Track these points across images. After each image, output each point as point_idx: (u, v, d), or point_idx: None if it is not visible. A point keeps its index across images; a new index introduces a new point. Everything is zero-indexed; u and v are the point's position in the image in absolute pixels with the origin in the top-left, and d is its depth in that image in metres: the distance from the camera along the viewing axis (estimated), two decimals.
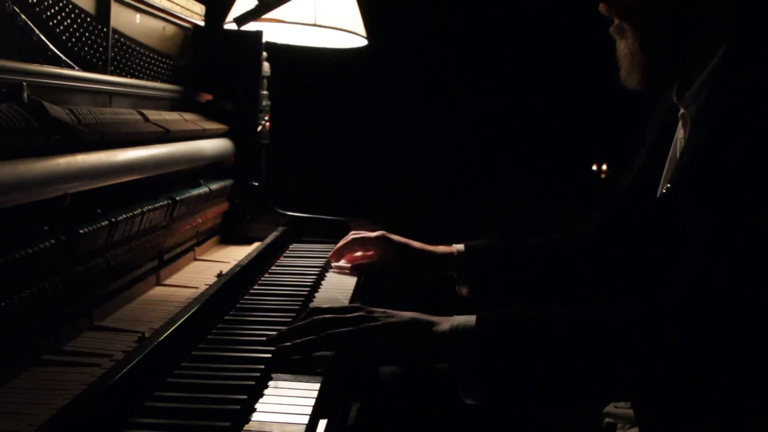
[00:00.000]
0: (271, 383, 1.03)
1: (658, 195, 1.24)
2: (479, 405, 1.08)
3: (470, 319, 1.09)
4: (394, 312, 1.15)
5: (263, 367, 1.05)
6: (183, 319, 1.15)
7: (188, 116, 1.78)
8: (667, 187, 1.17)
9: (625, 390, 1.10)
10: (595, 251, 1.45)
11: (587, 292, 1.47)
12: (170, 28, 1.82)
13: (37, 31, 1.19)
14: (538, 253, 1.56)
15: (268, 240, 1.83)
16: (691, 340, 0.99)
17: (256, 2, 1.67)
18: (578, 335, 1.05)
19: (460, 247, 1.58)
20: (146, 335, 1.11)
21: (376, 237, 1.64)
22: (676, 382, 1.02)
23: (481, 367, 1.06)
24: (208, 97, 1.96)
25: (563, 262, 1.52)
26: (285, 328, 1.16)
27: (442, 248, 1.60)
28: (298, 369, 1.07)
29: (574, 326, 1.06)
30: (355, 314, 1.13)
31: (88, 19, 1.37)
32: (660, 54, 1.17)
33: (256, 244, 1.84)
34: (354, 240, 1.68)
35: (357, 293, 1.57)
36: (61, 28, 1.28)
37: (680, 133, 1.22)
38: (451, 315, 1.12)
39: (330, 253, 1.72)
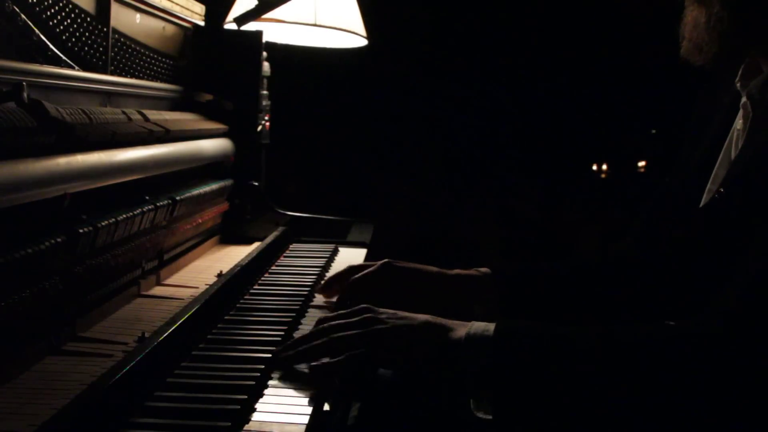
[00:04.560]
0: (271, 383, 1.03)
1: (709, 194, 1.13)
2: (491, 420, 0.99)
3: (489, 327, 1.01)
4: (405, 314, 1.07)
5: (263, 367, 1.04)
6: (183, 319, 1.15)
7: (188, 116, 1.78)
8: (719, 191, 1.08)
9: (653, 421, 0.94)
10: (638, 272, 1.30)
11: (631, 317, 1.31)
12: (170, 28, 1.82)
13: (37, 31, 1.19)
14: (577, 282, 1.38)
15: (268, 240, 1.83)
16: (744, 371, 0.88)
17: (256, 2, 1.67)
18: (606, 356, 0.96)
19: (485, 270, 1.37)
20: (146, 335, 1.11)
21: (380, 266, 1.36)
22: (721, 418, 0.90)
23: (496, 380, 0.97)
24: (208, 97, 1.96)
25: (604, 289, 1.36)
26: (289, 334, 1.13)
27: (459, 271, 1.38)
28: (301, 377, 1.03)
29: (602, 345, 0.97)
30: (362, 317, 1.07)
31: (88, 19, 1.37)
32: (749, 24, 1.05)
33: (256, 244, 1.84)
34: (352, 271, 1.38)
35: None
36: (61, 28, 1.28)
37: (738, 124, 1.12)
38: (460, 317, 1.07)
39: (321, 285, 1.46)
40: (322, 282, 1.43)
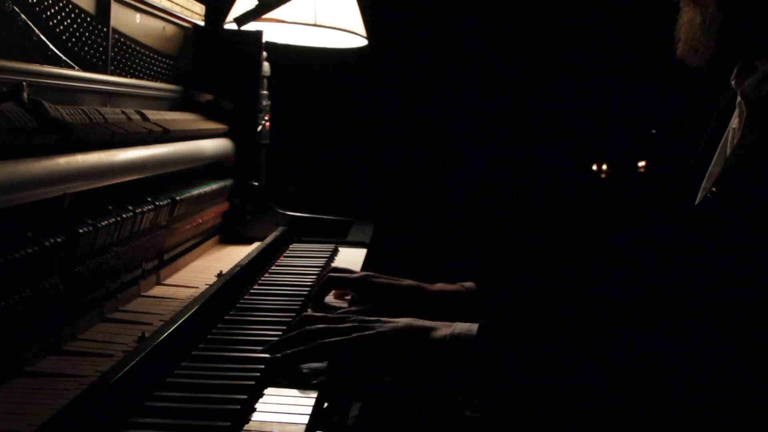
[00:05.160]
0: (271, 383, 1.03)
1: (703, 193, 1.13)
2: (479, 417, 1.01)
3: (472, 327, 1.03)
4: (389, 319, 1.08)
5: (263, 367, 1.04)
6: (183, 319, 1.15)
7: (188, 116, 1.78)
8: (712, 191, 1.08)
9: (635, 412, 0.96)
10: (631, 274, 1.29)
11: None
12: (170, 28, 1.82)
13: (37, 31, 1.19)
14: (567, 291, 1.37)
15: (268, 240, 1.83)
16: (724, 366, 0.90)
17: (256, 2, 1.67)
18: (588, 351, 0.97)
19: (469, 285, 1.35)
20: (146, 335, 1.11)
21: (357, 279, 1.35)
22: (700, 412, 0.91)
23: (482, 379, 0.99)
24: (208, 97, 1.96)
25: (596, 295, 1.34)
26: (278, 338, 1.12)
27: (443, 286, 1.36)
28: (290, 382, 1.02)
29: (584, 341, 0.98)
30: (347, 324, 1.08)
31: (88, 19, 1.37)
32: (743, 23, 1.05)
33: (256, 244, 1.84)
34: (332, 283, 1.39)
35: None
36: (61, 28, 1.28)
37: (734, 122, 1.12)
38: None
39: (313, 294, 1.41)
40: (314, 294, 1.39)
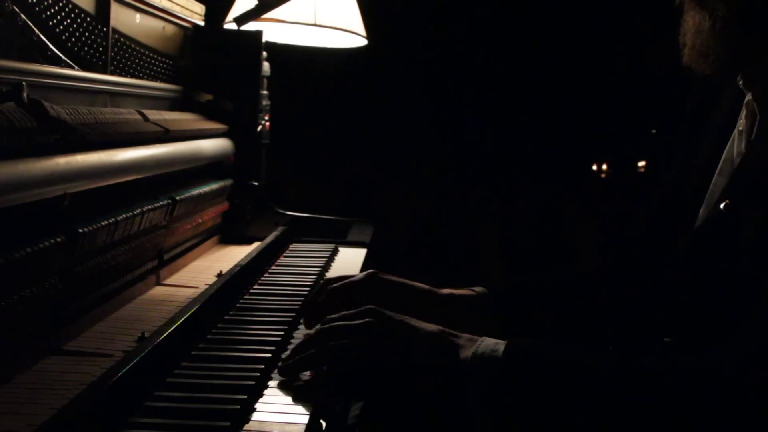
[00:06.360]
0: (271, 383, 1.03)
1: (710, 201, 1.09)
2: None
3: (498, 346, 0.96)
4: (412, 324, 1.01)
5: (263, 367, 1.04)
6: (183, 319, 1.15)
7: (188, 116, 1.78)
8: (726, 204, 1.03)
9: None
10: (636, 285, 1.24)
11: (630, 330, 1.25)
12: (170, 28, 1.82)
13: (37, 31, 1.19)
14: (579, 295, 1.32)
15: (268, 240, 1.83)
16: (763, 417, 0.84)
17: (256, 2, 1.67)
18: (623, 389, 0.91)
19: (480, 289, 1.27)
20: (146, 335, 1.11)
21: (365, 277, 1.23)
22: None
23: (502, 401, 0.94)
24: (208, 97, 1.96)
25: (605, 301, 1.29)
26: (289, 334, 1.10)
27: (453, 291, 1.27)
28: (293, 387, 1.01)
29: (619, 377, 0.92)
30: (365, 320, 1.01)
31: (88, 19, 1.37)
32: (758, 25, 0.99)
33: (256, 244, 1.84)
34: (331, 292, 1.22)
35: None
36: (61, 28, 1.28)
37: (740, 124, 1.07)
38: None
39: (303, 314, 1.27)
40: (304, 310, 1.26)
